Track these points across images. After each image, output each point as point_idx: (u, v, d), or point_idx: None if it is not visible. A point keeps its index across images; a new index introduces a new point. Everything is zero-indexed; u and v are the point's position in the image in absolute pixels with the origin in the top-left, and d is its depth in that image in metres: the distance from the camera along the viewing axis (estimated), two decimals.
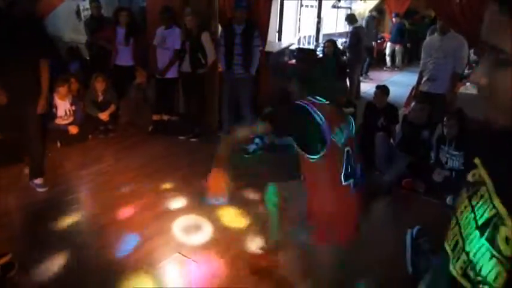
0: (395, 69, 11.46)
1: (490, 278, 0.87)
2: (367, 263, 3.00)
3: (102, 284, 2.78)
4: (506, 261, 0.82)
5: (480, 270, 0.90)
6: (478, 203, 0.93)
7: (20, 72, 3.66)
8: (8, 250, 2.91)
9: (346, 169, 2.13)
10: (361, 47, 7.98)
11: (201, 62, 5.40)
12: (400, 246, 3.12)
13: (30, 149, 4.03)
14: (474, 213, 0.94)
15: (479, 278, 0.90)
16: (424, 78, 5.15)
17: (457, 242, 0.99)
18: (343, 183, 2.14)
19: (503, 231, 0.82)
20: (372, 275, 2.98)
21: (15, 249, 2.98)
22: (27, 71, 3.72)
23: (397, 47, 11.38)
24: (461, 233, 0.99)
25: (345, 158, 2.13)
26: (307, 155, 2.14)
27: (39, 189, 4.03)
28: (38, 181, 4.05)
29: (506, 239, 0.82)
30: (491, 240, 0.87)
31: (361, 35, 7.97)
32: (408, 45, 11.87)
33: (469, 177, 1.01)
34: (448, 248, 1.01)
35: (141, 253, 3.12)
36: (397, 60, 11.54)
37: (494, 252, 0.86)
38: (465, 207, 0.99)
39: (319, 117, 2.06)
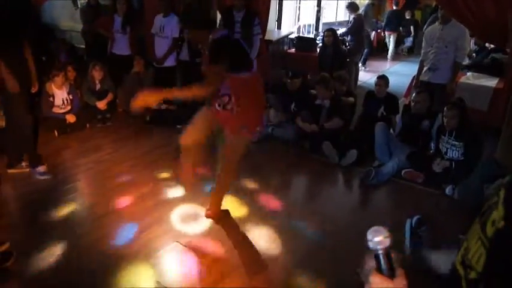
0: (388, 59, 11.09)
1: (474, 260, 0.87)
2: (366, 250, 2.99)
3: (101, 273, 2.76)
4: (487, 242, 0.84)
5: (468, 253, 0.90)
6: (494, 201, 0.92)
7: (17, 55, 3.71)
8: (6, 239, 2.89)
9: None
10: (362, 36, 7.91)
11: (200, 51, 5.35)
12: (399, 236, 3.12)
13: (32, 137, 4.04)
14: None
15: (467, 263, 0.91)
16: (425, 68, 5.11)
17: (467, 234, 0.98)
18: None
19: (493, 215, 0.84)
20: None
21: (13, 238, 2.96)
22: (19, 52, 3.75)
23: (391, 36, 11.05)
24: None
25: None
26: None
27: (26, 170, 4.07)
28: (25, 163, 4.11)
29: (493, 222, 0.83)
30: (482, 224, 0.88)
31: (362, 23, 7.90)
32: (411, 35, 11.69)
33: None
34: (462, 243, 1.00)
35: (140, 242, 3.10)
36: (390, 50, 11.18)
37: (481, 234, 0.87)
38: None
39: None
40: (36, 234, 3.18)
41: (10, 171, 4.07)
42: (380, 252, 0.95)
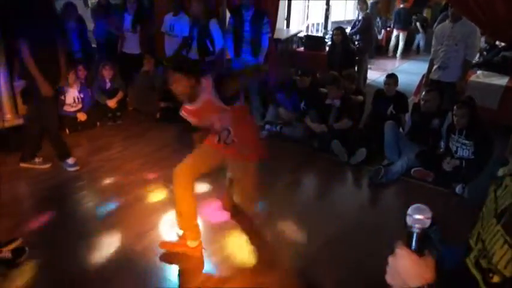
0: (397, 58, 11.00)
1: (501, 265, 0.85)
2: (375, 249, 2.99)
3: (110, 270, 2.80)
4: None
5: (492, 257, 0.88)
6: (502, 193, 0.91)
7: (51, 58, 3.87)
8: (18, 235, 2.95)
9: None
10: (371, 35, 7.88)
11: (209, 49, 5.37)
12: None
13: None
14: (496, 203, 0.92)
15: (489, 266, 0.89)
16: (435, 66, 5.08)
17: (478, 234, 0.98)
18: None
19: None
20: (379, 260, 2.97)
21: (25, 235, 3.02)
22: (54, 55, 3.92)
23: (401, 34, 10.94)
24: (482, 224, 0.97)
25: None
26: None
27: (40, 167, 4.19)
28: (38, 159, 4.23)
29: None
30: (507, 227, 0.86)
31: (371, 22, 7.87)
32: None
33: (500, 172, 1.00)
34: (471, 243, 1.00)
35: (150, 239, 3.13)
36: (399, 48, 11.06)
37: (507, 238, 0.85)
38: (490, 199, 0.98)
39: None
40: (48, 230, 3.23)
41: (22, 165, 4.16)
42: (416, 230, 0.92)
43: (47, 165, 4.23)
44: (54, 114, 4.12)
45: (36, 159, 4.21)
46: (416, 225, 0.92)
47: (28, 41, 3.66)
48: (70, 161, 4.21)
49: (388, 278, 0.89)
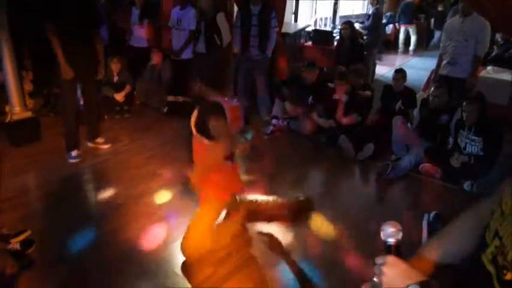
0: (410, 53, 10.85)
1: None
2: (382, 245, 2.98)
3: (119, 262, 2.81)
4: None
5: (507, 254, 0.87)
6: None
7: (82, 44, 4.07)
8: (27, 227, 2.97)
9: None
10: (380, 30, 7.83)
11: (217, 43, 5.35)
12: (416, 231, 3.10)
13: (92, 113, 4.56)
14: None
15: (504, 263, 0.87)
16: (444, 62, 5.03)
17: (496, 231, 0.96)
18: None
19: None
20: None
21: (34, 226, 3.03)
22: (87, 43, 4.14)
23: (411, 28, 10.78)
24: (501, 221, 0.96)
25: None
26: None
27: (103, 146, 4.59)
28: (100, 140, 4.61)
29: None
30: None
31: (381, 17, 7.81)
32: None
33: None
34: (487, 239, 0.98)
35: (157, 231, 3.14)
36: (412, 43, 10.87)
37: None
38: (507, 195, 0.96)
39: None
40: (56, 223, 3.25)
41: (90, 144, 4.59)
42: (390, 242, 1.04)
43: (108, 145, 4.61)
44: (71, 101, 4.27)
45: (98, 139, 4.59)
46: (390, 239, 1.05)
47: (55, 24, 3.88)
48: (74, 153, 4.28)
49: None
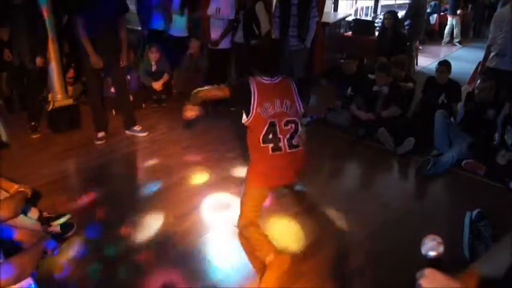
0: (456, 44, 10.49)
1: None
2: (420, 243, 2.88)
3: (154, 248, 2.84)
4: None
5: None
6: None
7: (107, 33, 4.16)
8: (67, 211, 3.07)
9: (266, 135, 2.68)
10: (421, 20, 7.56)
11: (255, 33, 5.31)
12: (458, 229, 2.98)
13: (124, 101, 4.68)
14: None
15: None
16: (492, 53, 4.80)
17: None
18: (262, 145, 2.70)
19: None
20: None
21: (73, 211, 3.13)
22: (112, 31, 4.22)
23: (454, 19, 10.40)
24: None
25: (266, 127, 2.67)
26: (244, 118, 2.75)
27: (140, 134, 4.68)
28: (137, 127, 4.71)
29: None
30: None
31: (421, 6, 7.53)
32: None
33: None
34: None
35: (191, 221, 3.16)
36: (454, 34, 10.54)
37: None
38: None
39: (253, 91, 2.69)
40: (94, 208, 3.32)
41: (127, 132, 4.73)
42: (431, 256, 1.07)
43: (146, 133, 4.70)
44: (95, 87, 4.44)
45: (136, 127, 4.71)
46: (431, 252, 1.07)
47: (83, 17, 4.02)
48: (100, 134, 4.46)
49: None
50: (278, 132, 2.70)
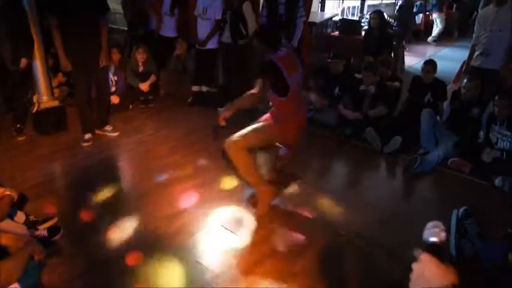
0: (432, 43, 10.57)
1: None
2: (409, 239, 2.91)
3: (141, 250, 2.83)
4: None
5: None
6: None
7: (89, 33, 4.14)
8: (54, 214, 3.04)
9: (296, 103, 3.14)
10: (410, 20, 7.63)
11: (242, 33, 5.30)
12: (445, 227, 3.01)
13: (100, 101, 4.60)
14: None
15: None
16: (477, 53, 4.86)
17: None
18: (295, 116, 3.15)
19: None
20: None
21: (60, 213, 3.10)
22: (93, 31, 4.17)
23: (439, 17, 10.50)
24: None
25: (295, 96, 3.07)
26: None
27: (111, 134, 4.65)
28: (108, 127, 4.69)
29: None
30: None
31: (412, 6, 7.61)
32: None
33: None
34: None
35: (181, 222, 3.15)
36: (435, 32, 10.61)
37: None
38: None
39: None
40: (82, 211, 3.28)
41: (97, 132, 4.65)
42: (432, 242, 1.03)
43: (116, 134, 4.68)
44: (80, 88, 4.37)
45: (107, 127, 4.68)
46: (431, 238, 1.04)
47: (57, 16, 4.00)
48: (86, 136, 4.42)
49: (412, 286, 0.98)
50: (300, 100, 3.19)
